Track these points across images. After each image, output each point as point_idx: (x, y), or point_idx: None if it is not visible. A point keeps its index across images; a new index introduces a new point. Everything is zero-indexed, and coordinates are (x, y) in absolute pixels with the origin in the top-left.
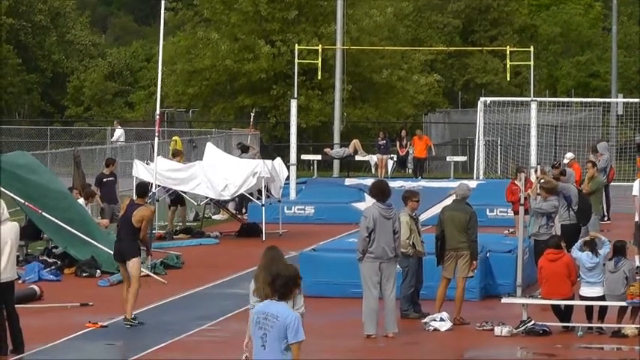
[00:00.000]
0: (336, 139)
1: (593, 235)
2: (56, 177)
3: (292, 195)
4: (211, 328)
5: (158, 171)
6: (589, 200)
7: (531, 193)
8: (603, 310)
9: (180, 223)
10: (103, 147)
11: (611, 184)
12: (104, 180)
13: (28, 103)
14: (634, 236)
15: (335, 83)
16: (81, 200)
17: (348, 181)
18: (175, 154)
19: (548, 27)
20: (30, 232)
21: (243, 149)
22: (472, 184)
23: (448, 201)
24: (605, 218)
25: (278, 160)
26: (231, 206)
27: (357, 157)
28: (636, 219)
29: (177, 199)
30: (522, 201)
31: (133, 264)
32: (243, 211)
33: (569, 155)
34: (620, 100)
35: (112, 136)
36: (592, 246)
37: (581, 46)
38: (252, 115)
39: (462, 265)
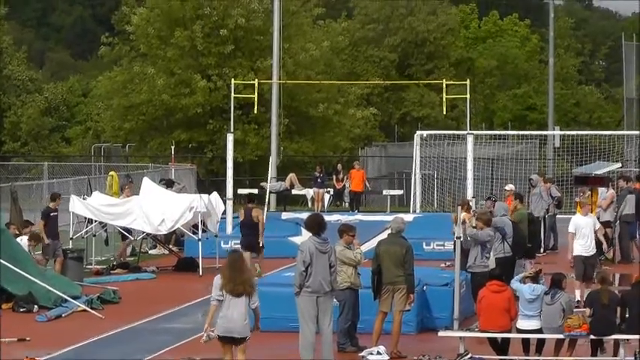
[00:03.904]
0: (273, 173)
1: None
2: None
3: (229, 229)
4: None
5: (94, 206)
6: (523, 232)
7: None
8: (541, 342)
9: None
10: (40, 182)
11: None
12: (51, 214)
13: None
14: (575, 269)
15: (271, 117)
16: (24, 239)
17: (284, 215)
18: (124, 188)
19: (485, 60)
20: None
21: (168, 184)
22: (409, 217)
23: (384, 235)
24: (542, 250)
25: (214, 195)
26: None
27: (294, 191)
28: (572, 253)
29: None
30: (458, 234)
31: (253, 255)
32: None
33: (509, 187)
34: (557, 132)
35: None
36: (535, 279)
37: (518, 79)
38: (173, 148)
39: (398, 298)
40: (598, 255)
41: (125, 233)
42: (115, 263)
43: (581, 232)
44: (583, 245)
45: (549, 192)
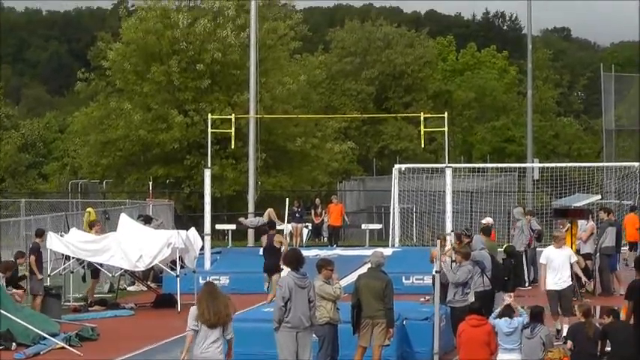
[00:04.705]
0: (251, 208)
1: (513, 305)
2: None
3: (207, 265)
4: None
5: (72, 242)
6: (502, 265)
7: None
8: None
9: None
10: (17, 219)
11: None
12: (41, 250)
13: None
14: (549, 304)
15: (249, 152)
16: None
17: (262, 251)
18: (92, 225)
19: (463, 92)
20: None
21: (147, 220)
22: (388, 251)
23: (364, 269)
24: (526, 284)
25: (192, 231)
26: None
27: None
28: (545, 287)
29: (96, 271)
30: (438, 268)
31: (276, 277)
32: None
33: (489, 220)
34: (536, 164)
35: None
36: (508, 312)
37: (497, 111)
38: (150, 183)
39: (378, 333)
40: (579, 287)
41: (101, 268)
42: (91, 300)
43: (552, 265)
44: (554, 279)
45: (530, 225)
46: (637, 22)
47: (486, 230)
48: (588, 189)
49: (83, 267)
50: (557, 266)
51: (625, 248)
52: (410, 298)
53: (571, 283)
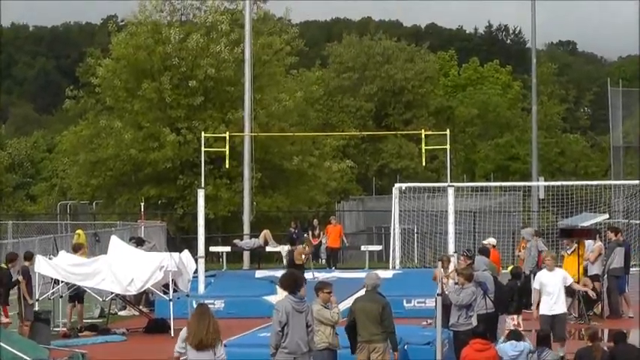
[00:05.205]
0: (246, 229)
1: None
2: None
3: (201, 289)
4: None
5: (61, 266)
6: (505, 287)
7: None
8: None
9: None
10: (4, 242)
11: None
12: (30, 274)
13: None
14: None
15: (244, 171)
16: None
17: (258, 274)
18: (77, 249)
19: (465, 108)
20: None
21: (139, 242)
22: (388, 273)
23: (362, 292)
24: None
25: (185, 253)
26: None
27: (268, 248)
28: (542, 312)
29: (77, 295)
30: (440, 291)
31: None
32: None
33: (491, 240)
34: (542, 183)
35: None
36: (516, 336)
37: (500, 128)
38: (142, 204)
39: (375, 358)
40: (586, 310)
41: (89, 291)
42: (80, 326)
43: (546, 289)
44: (548, 303)
45: (537, 246)
46: None
47: (484, 251)
48: (595, 208)
49: (71, 291)
50: (551, 291)
51: (636, 269)
52: (411, 322)
53: (566, 309)
